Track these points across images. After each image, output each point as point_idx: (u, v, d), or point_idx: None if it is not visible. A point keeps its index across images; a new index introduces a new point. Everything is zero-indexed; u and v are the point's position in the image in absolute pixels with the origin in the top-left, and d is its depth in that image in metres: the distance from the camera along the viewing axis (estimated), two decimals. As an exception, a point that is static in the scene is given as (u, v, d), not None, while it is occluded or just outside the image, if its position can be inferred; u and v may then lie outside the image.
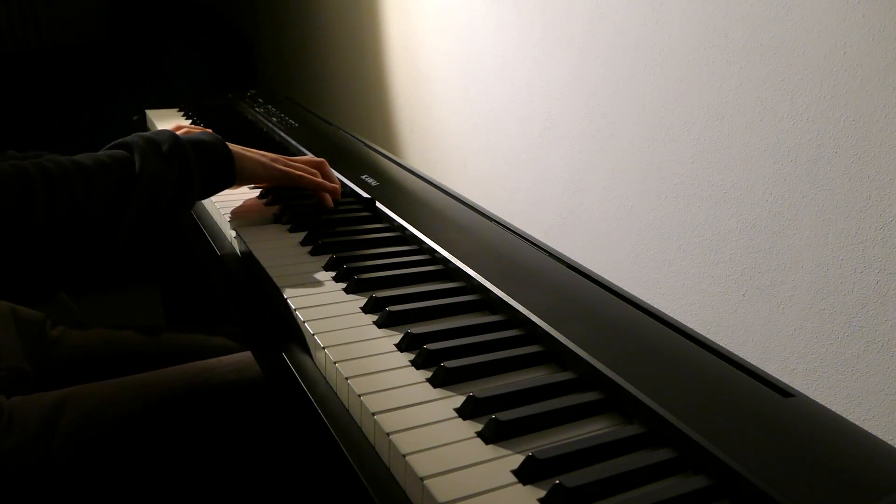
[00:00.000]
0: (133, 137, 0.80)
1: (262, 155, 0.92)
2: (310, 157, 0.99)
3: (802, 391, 0.53)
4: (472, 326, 0.64)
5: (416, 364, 0.59)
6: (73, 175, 0.72)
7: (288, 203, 0.93)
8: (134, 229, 0.76)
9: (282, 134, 1.28)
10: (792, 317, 0.80)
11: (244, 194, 1.00)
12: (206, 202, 1.00)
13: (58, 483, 0.76)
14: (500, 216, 0.88)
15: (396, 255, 0.80)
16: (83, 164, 0.74)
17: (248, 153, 0.90)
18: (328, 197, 0.94)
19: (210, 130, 0.89)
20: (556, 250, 0.78)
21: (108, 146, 0.80)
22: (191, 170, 0.81)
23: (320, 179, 0.95)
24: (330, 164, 1.08)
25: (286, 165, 0.93)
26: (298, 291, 0.70)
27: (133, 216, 0.75)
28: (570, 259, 0.76)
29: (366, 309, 0.67)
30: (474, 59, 1.30)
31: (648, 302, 0.66)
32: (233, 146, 0.89)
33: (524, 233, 0.83)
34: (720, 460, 0.45)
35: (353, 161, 1.13)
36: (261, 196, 0.99)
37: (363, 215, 0.92)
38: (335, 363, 0.58)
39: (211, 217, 0.98)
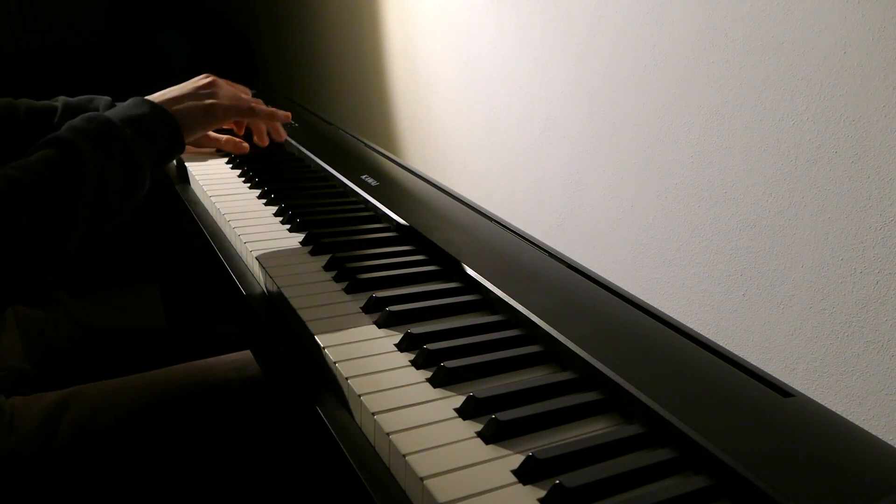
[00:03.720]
0: (66, 133, 0.70)
1: (201, 95, 0.82)
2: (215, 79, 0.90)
3: (802, 391, 0.53)
4: (472, 326, 0.64)
5: (416, 364, 0.59)
6: (8, 194, 0.63)
7: (288, 203, 0.93)
8: (88, 231, 0.68)
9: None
10: (792, 317, 0.80)
11: (244, 194, 1.00)
12: (208, 205, 1.00)
13: (59, 483, 0.76)
14: (500, 216, 0.88)
15: (396, 255, 0.80)
16: (19, 180, 0.64)
17: (189, 104, 0.80)
18: (281, 128, 0.87)
19: (147, 98, 0.79)
20: (556, 250, 0.78)
21: (39, 143, 0.70)
22: (135, 154, 0.72)
23: (270, 109, 0.85)
24: (330, 164, 1.08)
25: (234, 97, 0.83)
26: (298, 291, 0.70)
27: (83, 220, 0.67)
28: (570, 259, 0.76)
29: (366, 309, 0.67)
30: (474, 59, 1.30)
31: (648, 302, 0.66)
32: (169, 102, 0.78)
33: (524, 233, 0.83)
34: (720, 460, 0.45)
35: (353, 161, 1.13)
36: (260, 196, 0.99)
37: (363, 215, 0.92)
38: (335, 363, 0.58)
39: (211, 217, 0.98)
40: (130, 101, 0.78)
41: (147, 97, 0.80)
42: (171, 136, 0.78)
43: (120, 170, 0.71)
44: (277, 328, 0.69)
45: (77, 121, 0.73)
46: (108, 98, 1.09)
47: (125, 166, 0.72)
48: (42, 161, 0.67)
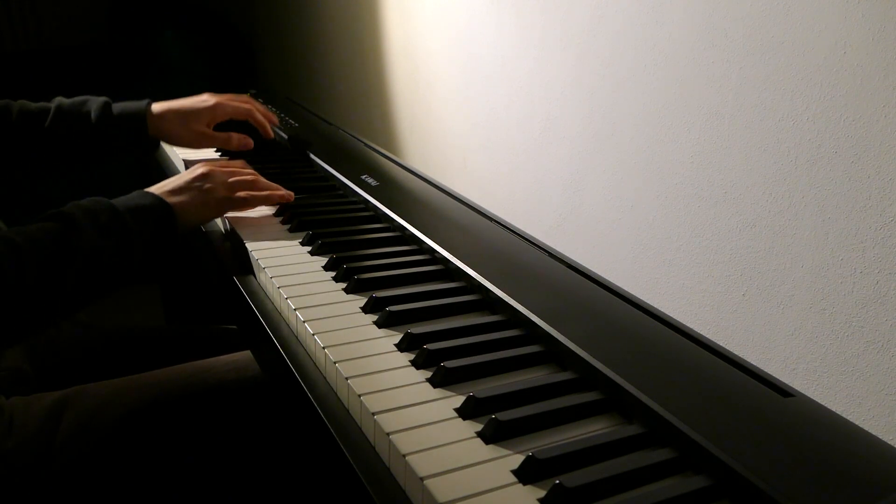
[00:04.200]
0: (70, 208, 0.76)
1: (199, 190, 0.86)
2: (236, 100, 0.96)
3: (802, 391, 0.53)
4: (472, 326, 0.64)
5: (416, 364, 0.59)
6: (2, 254, 0.67)
7: (288, 203, 0.93)
8: (71, 304, 0.72)
9: (282, 134, 1.28)
10: (792, 317, 0.80)
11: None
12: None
13: (58, 483, 0.76)
14: (500, 216, 0.88)
15: (396, 255, 0.80)
16: (14, 242, 0.69)
17: (188, 197, 0.84)
18: (275, 197, 0.91)
19: (148, 190, 0.84)
20: (556, 250, 0.78)
21: (43, 215, 0.75)
22: (130, 240, 0.76)
23: (265, 193, 0.90)
24: (330, 164, 1.09)
25: (227, 186, 0.88)
26: (298, 291, 0.70)
27: (68, 291, 0.71)
28: (570, 259, 0.76)
29: (366, 309, 0.67)
30: (474, 59, 1.30)
31: (648, 302, 0.66)
32: (170, 195, 0.83)
33: (524, 233, 0.83)
34: (720, 460, 0.45)
35: (353, 161, 1.13)
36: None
37: (363, 215, 0.92)
38: (335, 363, 0.58)
39: (211, 217, 0.97)
40: (135, 192, 0.84)
41: (148, 189, 0.85)
42: (168, 227, 0.82)
43: (113, 251, 0.75)
44: (275, 328, 0.69)
45: (84, 201, 0.78)
46: (103, 98, 1.09)
47: (119, 248, 0.76)
48: (40, 230, 0.72)
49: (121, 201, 0.80)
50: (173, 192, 0.85)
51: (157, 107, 1.10)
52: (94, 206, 0.77)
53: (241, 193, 0.88)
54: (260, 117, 1.16)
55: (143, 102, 1.10)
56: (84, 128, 1.06)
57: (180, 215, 0.83)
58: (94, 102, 1.08)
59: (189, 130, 1.10)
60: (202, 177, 0.87)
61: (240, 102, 1.14)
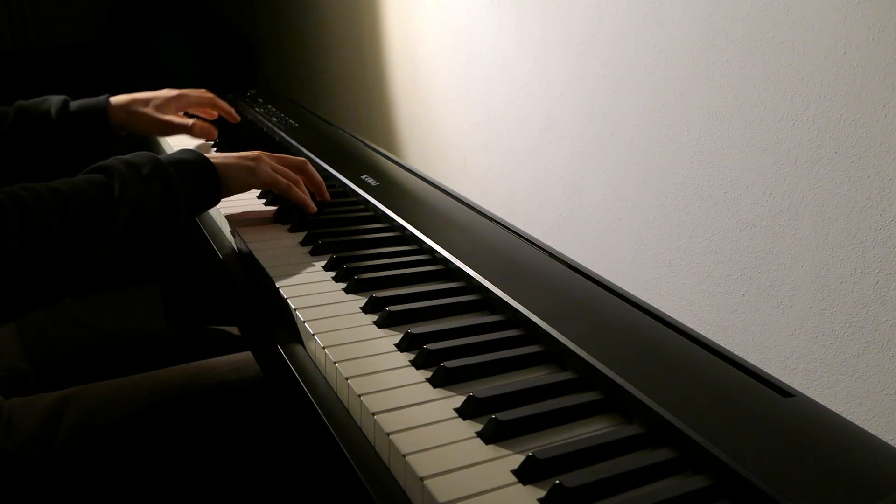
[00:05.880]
0: (112, 161, 0.76)
1: (246, 158, 0.89)
2: (292, 157, 0.96)
3: (802, 391, 0.53)
4: (472, 326, 0.64)
5: (416, 364, 0.59)
6: (49, 204, 0.68)
7: (288, 203, 0.93)
8: (116, 255, 0.72)
9: (282, 134, 1.28)
10: (792, 317, 0.80)
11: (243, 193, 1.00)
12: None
13: (58, 484, 0.76)
14: (500, 216, 0.88)
15: (396, 255, 0.80)
16: (60, 192, 0.69)
17: (233, 161, 0.87)
18: (312, 206, 0.92)
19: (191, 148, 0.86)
20: (556, 250, 0.78)
21: (85, 170, 0.76)
22: (174, 191, 0.77)
23: (305, 195, 0.92)
24: (330, 164, 1.08)
25: (273, 168, 0.90)
26: (298, 291, 0.70)
27: (115, 242, 0.71)
28: (570, 259, 0.76)
29: (366, 309, 0.67)
30: (474, 59, 1.30)
31: (648, 302, 0.66)
32: (214, 158, 0.85)
33: (524, 233, 0.83)
34: (720, 460, 0.45)
35: (353, 161, 1.13)
36: (260, 196, 0.99)
37: (363, 215, 0.92)
38: (335, 363, 0.58)
39: (211, 217, 0.98)
40: (179, 149, 0.85)
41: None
42: (210, 183, 0.83)
43: (157, 202, 0.75)
44: (275, 328, 0.69)
45: (126, 155, 0.79)
46: (62, 97, 1.10)
47: (163, 199, 0.76)
48: (86, 180, 0.73)
49: (164, 155, 0.81)
50: (221, 156, 0.87)
51: (117, 98, 1.14)
52: (135, 157, 0.78)
53: (287, 181, 0.91)
54: (224, 103, 1.26)
55: (102, 97, 1.13)
56: (45, 126, 1.07)
57: (224, 177, 0.84)
58: (53, 100, 1.10)
59: (153, 118, 1.14)
60: (252, 156, 0.90)
61: (200, 93, 1.23)
